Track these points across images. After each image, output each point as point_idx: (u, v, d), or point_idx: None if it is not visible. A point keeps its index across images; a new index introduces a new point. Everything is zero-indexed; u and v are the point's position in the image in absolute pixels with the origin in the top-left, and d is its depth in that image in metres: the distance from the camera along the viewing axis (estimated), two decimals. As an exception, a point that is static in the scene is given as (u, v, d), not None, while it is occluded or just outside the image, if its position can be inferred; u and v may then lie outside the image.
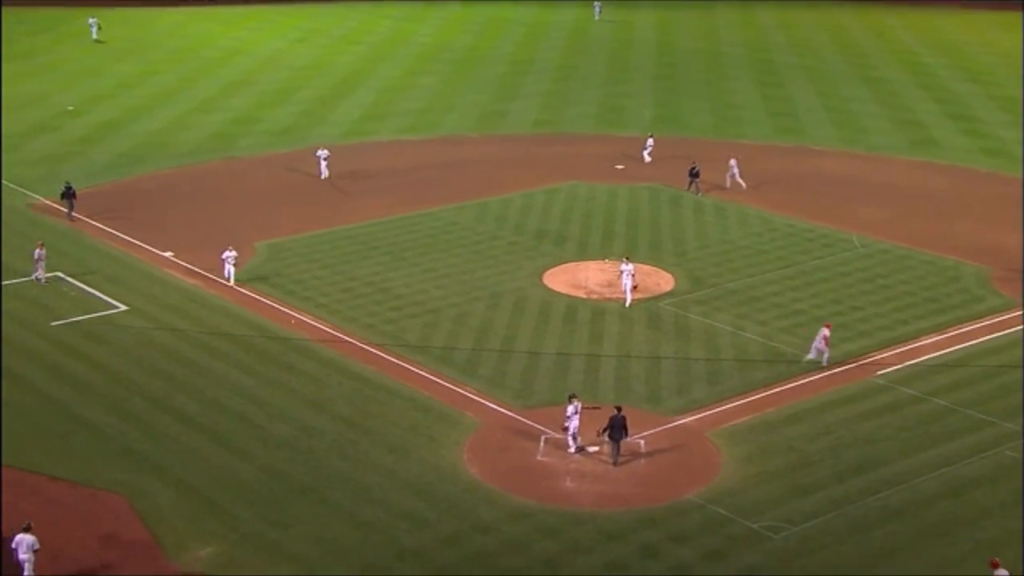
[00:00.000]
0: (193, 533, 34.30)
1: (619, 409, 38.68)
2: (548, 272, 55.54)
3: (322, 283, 53.69)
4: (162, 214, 63.63)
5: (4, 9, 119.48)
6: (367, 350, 46.82)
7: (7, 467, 37.56)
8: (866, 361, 46.15)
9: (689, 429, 41.00)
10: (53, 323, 48.99)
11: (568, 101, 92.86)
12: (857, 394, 43.58)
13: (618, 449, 38.46)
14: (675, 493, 36.89)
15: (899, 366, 45.82)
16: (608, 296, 52.42)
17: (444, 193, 67.65)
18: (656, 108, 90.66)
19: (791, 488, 37.16)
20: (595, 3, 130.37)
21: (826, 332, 45.38)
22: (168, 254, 57.12)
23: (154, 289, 52.84)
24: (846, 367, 45.57)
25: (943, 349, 47.51)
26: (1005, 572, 30.62)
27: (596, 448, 38.99)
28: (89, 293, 52.20)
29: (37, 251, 53.23)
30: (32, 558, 31.78)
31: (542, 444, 39.72)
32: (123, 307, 50.77)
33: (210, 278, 53.60)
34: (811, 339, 46.12)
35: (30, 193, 66.31)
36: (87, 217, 61.94)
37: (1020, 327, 49.63)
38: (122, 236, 59.65)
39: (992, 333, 49.11)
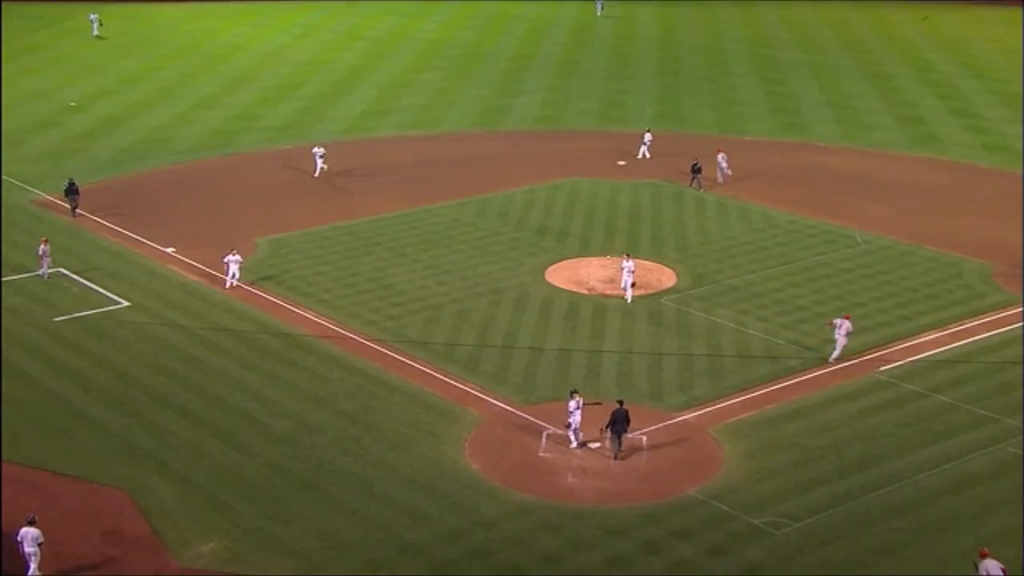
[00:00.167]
0: (195, 529, 34.34)
1: (621, 403, 38.71)
2: (550, 268, 55.54)
3: (324, 279, 53.69)
4: (164, 210, 63.63)
5: (4, 4, 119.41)
6: (369, 346, 46.83)
7: (9, 462, 37.61)
8: (868, 357, 46.11)
9: (691, 425, 41.01)
10: (55, 319, 49.04)
11: (571, 97, 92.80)
12: (859, 390, 43.57)
13: (620, 442, 38.49)
14: (677, 489, 36.91)
15: (901, 362, 45.81)
16: (610, 292, 52.42)
17: (446, 189, 67.65)
18: (658, 104, 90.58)
19: (793, 484, 37.17)
20: (597, 2, 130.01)
21: (848, 325, 45.41)
22: (170, 250, 57.13)
23: (156, 285, 52.86)
24: (848, 363, 45.55)
25: (945, 345, 47.49)
26: (993, 562, 30.72)
27: (598, 444, 39.01)
28: (91, 289, 52.24)
29: (41, 247, 53.26)
30: (38, 552, 31.85)
31: (544, 440, 39.74)
32: (125, 303, 50.80)
33: (212, 274, 53.60)
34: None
35: (32, 189, 66.35)
36: (89, 213, 61.95)
37: (1022, 323, 49.59)
38: (124, 232, 59.67)
39: (994, 329, 49.09)
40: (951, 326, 49.30)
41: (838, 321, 45.80)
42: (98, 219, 61.46)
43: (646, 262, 55.55)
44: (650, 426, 40.38)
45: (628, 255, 52.95)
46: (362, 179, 69.73)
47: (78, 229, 60.16)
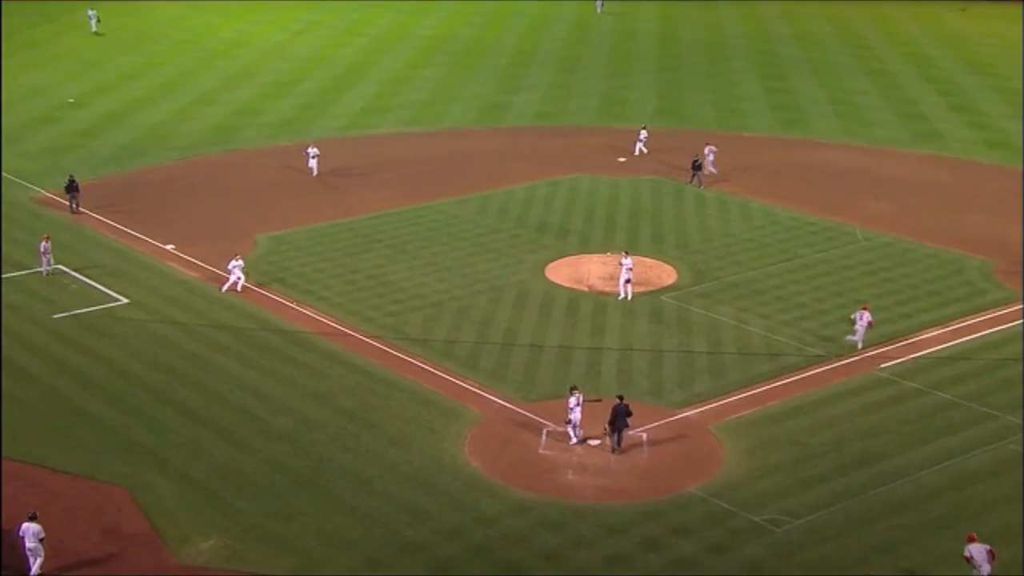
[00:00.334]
0: (195, 526, 34.29)
1: (621, 398, 38.67)
2: (550, 265, 55.46)
3: (324, 276, 53.62)
4: (163, 206, 63.55)
5: (4, 1, 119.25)
6: (369, 343, 46.77)
7: (8, 459, 37.56)
8: (869, 354, 46.07)
9: (691, 422, 40.96)
10: (55, 316, 48.98)
11: (571, 93, 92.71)
12: (860, 387, 43.53)
13: (620, 438, 38.43)
14: (677, 486, 36.86)
15: (902, 359, 45.77)
16: (609, 290, 52.35)
17: (446, 186, 67.57)
18: (659, 100, 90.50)
19: (793, 481, 37.12)
20: (597, 1, 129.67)
21: (868, 316, 45.56)
22: (170, 247, 57.05)
23: (155, 282, 52.79)
24: (849, 360, 45.51)
25: (946, 342, 47.44)
26: (977, 546, 31.14)
27: (598, 441, 38.95)
28: (91, 286, 52.17)
29: (43, 244, 53.19)
30: (40, 548, 31.79)
31: (544, 437, 39.68)
32: (124, 300, 50.73)
33: (212, 271, 53.53)
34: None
35: (31, 186, 66.27)
36: (89, 209, 61.86)
37: (1023, 320, 49.53)
38: (123, 229, 59.60)
39: (995, 326, 49.03)
40: (952, 323, 49.25)
41: (858, 314, 46.10)
42: (97, 216, 61.39)
43: (646, 259, 55.49)
44: (650, 423, 40.33)
45: (627, 252, 52.87)
46: (362, 176, 69.65)
47: (78, 226, 60.07)
